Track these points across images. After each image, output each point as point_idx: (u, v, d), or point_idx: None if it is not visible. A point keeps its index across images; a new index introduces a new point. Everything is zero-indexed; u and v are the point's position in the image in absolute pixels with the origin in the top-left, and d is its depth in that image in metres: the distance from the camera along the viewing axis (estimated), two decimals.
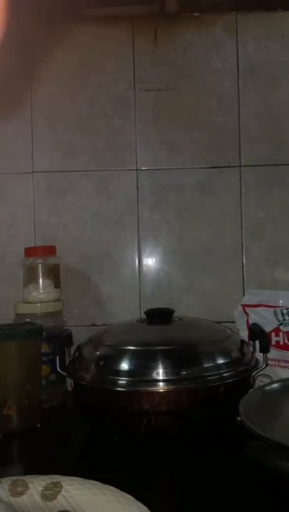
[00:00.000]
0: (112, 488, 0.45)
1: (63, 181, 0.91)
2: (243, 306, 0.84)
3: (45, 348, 0.76)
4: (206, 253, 0.90)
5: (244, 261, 0.89)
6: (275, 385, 0.60)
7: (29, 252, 0.83)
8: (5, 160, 0.90)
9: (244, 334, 0.80)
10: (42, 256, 0.82)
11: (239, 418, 0.60)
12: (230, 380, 0.60)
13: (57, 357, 0.69)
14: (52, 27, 0.90)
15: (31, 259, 0.82)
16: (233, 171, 0.90)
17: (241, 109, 0.89)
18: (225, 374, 0.60)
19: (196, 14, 0.89)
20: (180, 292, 0.90)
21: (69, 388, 0.77)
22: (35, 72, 0.90)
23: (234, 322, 0.85)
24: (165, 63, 0.90)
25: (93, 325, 0.89)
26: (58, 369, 0.69)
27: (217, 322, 0.81)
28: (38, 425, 0.69)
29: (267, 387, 0.60)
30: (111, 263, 0.91)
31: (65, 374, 0.68)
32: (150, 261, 0.91)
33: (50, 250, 0.84)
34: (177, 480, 0.54)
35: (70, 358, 0.70)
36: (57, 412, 0.76)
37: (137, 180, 0.90)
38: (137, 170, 0.90)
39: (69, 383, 0.75)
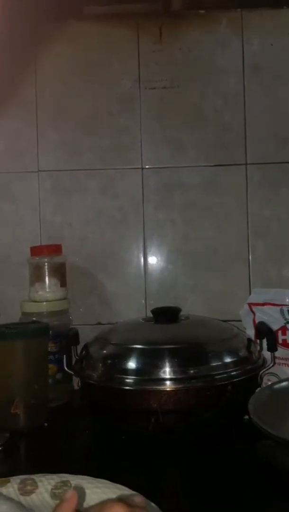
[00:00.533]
0: (122, 487, 0.46)
1: (68, 180, 0.90)
2: (249, 304, 0.84)
3: (51, 347, 0.76)
4: (211, 252, 0.90)
5: (250, 259, 0.89)
6: (284, 384, 0.59)
7: (35, 251, 0.83)
8: (11, 159, 0.90)
9: (250, 332, 0.80)
10: (48, 255, 0.82)
11: (246, 417, 0.60)
12: (237, 379, 0.60)
13: (64, 356, 0.69)
14: (56, 26, 0.90)
15: (37, 258, 0.82)
16: (239, 169, 0.89)
17: (246, 107, 0.89)
18: (233, 373, 0.60)
19: (202, 11, 0.89)
20: (186, 291, 0.90)
21: (76, 387, 0.78)
22: (40, 71, 0.90)
23: (240, 320, 0.85)
24: (170, 61, 0.89)
25: (99, 323, 0.89)
26: (65, 368, 0.69)
27: (224, 321, 0.81)
28: (45, 424, 0.69)
29: (276, 386, 0.60)
30: (117, 262, 0.90)
31: (72, 373, 0.68)
32: (155, 260, 0.91)
33: (56, 249, 0.84)
34: (185, 478, 0.54)
35: (76, 357, 0.70)
36: (64, 410, 0.76)
37: (142, 179, 0.90)
38: (142, 168, 0.90)
39: (76, 381, 0.75)
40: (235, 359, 0.62)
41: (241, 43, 0.89)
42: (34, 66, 0.90)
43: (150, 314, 0.73)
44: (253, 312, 0.83)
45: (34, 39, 0.90)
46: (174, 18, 0.89)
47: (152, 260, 0.91)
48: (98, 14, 0.89)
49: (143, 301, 0.90)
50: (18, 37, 0.90)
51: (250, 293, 0.87)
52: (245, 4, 0.88)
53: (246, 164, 0.89)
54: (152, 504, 0.43)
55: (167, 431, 0.58)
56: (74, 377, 0.74)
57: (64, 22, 0.90)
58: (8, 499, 0.41)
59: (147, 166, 0.90)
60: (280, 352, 0.75)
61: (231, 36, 0.89)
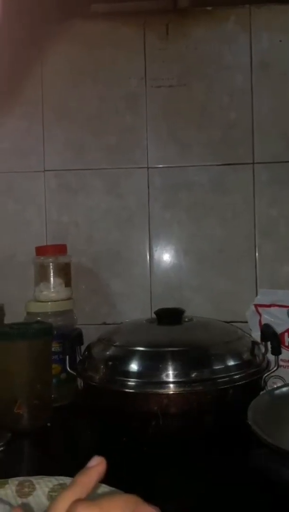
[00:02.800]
0: (118, 491, 0.45)
1: (74, 179, 0.90)
2: (256, 306, 0.83)
3: (55, 347, 0.76)
4: (218, 252, 0.89)
5: (257, 259, 0.88)
6: (284, 389, 0.58)
7: (40, 251, 0.83)
8: (17, 159, 0.91)
9: (256, 334, 0.79)
10: (53, 255, 0.82)
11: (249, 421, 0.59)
12: (240, 383, 0.59)
13: (67, 356, 0.69)
14: (62, 25, 0.89)
15: (42, 258, 0.83)
16: (246, 168, 0.88)
17: (254, 105, 0.88)
18: (235, 377, 0.59)
19: (209, 8, 0.88)
20: (191, 291, 0.89)
21: (80, 387, 0.78)
22: (46, 70, 0.90)
23: (246, 322, 0.84)
24: (177, 59, 0.88)
25: (104, 323, 0.89)
26: (68, 368, 0.69)
27: (229, 322, 0.81)
28: (48, 424, 0.69)
29: (276, 391, 0.59)
30: (122, 262, 0.90)
31: (75, 374, 0.68)
32: (161, 260, 0.90)
33: (61, 249, 0.84)
34: (185, 482, 0.54)
35: (80, 357, 0.70)
36: (68, 410, 0.76)
37: (148, 178, 0.89)
38: (148, 168, 0.89)
39: (80, 381, 0.75)
40: (238, 362, 0.61)
41: (249, 40, 0.87)
42: (40, 64, 0.90)
43: (154, 315, 0.73)
44: (259, 313, 0.82)
45: (40, 37, 0.89)
46: (181, 15, 0.88)
47: (158, 260, 0.90)
48: (104, 12, 0.88)
49: (148, 301, 0.90)
50: (23, 36, 0.90)
51: (256, 294, 0.86)
52: (253, 0, 0.86)
53: (253, 163, 0.88)
54: None
55: (167, 434, 0.58)
56: None
57: (70, 20, 0.89)
58: (2, 502, 0.40)
59: (153, 166, 0.89)
60: (286, 354, 0.74)
61: (239, 32, 0.88)
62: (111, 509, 0.27)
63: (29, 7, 0.88)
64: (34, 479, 0.48)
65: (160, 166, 0.89)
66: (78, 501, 0.28)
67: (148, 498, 0.42)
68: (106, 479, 0.46)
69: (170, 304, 0.87)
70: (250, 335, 0.78)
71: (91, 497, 0.44)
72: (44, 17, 0.89)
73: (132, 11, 0.88)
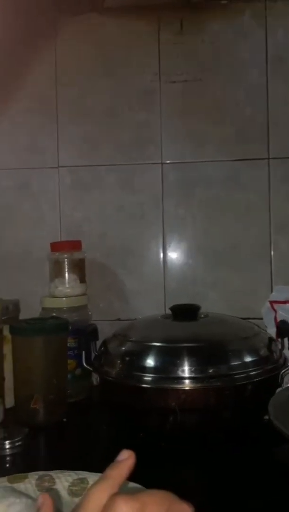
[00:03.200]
0: (138, 486, 0.45)
1: (87, 175, 0.90)
2: (271, 302, 0.82)
3: (70, 342, 0.76)
4: (232, 248, 0.88)
5: (272, 256, 0.87)
6: None
7: (55, 247, 0.84)
8: (32, 155, 0.91)
9: (272, 331, 0.78)
10: (68, 251, 0.83)
11: (266, 417, 0.59)
12: (257, 379, 0.58)
13: (83, 352, 0.69)
14: (77, 20, 0.89)
15: (57, 254, 0.83)
16: (261, 163, 0.87)
17: (269, 100, 0.87)
18: (253, 373, 0.59)
19: (224, 2, 0.87)
20: (206, 287, 0.89)
21: (95, 382, 0.78)
22: (60, 65, 0.90)
23: (261, 318, 0.84)
24: (191, 54, 0.88)
25: (118, 319, 0.89)
26: (84, 364, 0.69)
27: (244, 319, 0.80)
28: (64, 419, 0.69)
29: None
30: (136, 258, 0.90)
31: (91, 369, 0.68)
32: (175, 256, 0.90)
33: (75, 245, 0.84)
34: (202, 478, 0.54)
35: (95, 353, 0.70)
36: (83, 405, 0.76)
37: (162, 174, 0.89)
38: (162, 164, 0.89)
39: (95, 377, 0.76)
40: (255, 358, 0.61)
41: (264, 34, 0.87)
42: (54, 60, 0.90)
43: (169, 311, 0.73)
44: (274, 310, 0.81)
45: (55, 32, 0.89)
46: (195, 10, 0.87)
47: (172, 256, 0.90)
48: (118, 7, 0.88)
49: (162, 297, 0.90)
50: (38, 31, 0.90)
51: (272, 291, 0.86)
52: None
53: (268, 158, 0.87)
54: None
55: (185, 430, 0.57)
56: (93, 373, 0.74)
57: (85, 15, 0.89)
58: (24, 496, 0.41)
59: (167, 161, 0.89)
60: None
61: (254, 27, 0.87)
62: (149, 504, 0.27)
63: (43, 2, 0.88)
64: (53, 474, 0.48)
65: (175, 161, 0.89)
66: (117, 495, 0.28)
67: None
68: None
69: (184, 301, 0.86)
70: (266, 332, 0.78)
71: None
72: (58, 12, 0.89)
73: (146, 6, 0.88)
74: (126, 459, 0.31)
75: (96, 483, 0.29)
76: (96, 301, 0.88)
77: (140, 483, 0.45)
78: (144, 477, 0.45)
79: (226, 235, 0.89)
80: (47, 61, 0.90)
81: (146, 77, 0.89)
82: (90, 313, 0.84)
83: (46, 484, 0.47)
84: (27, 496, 0.41)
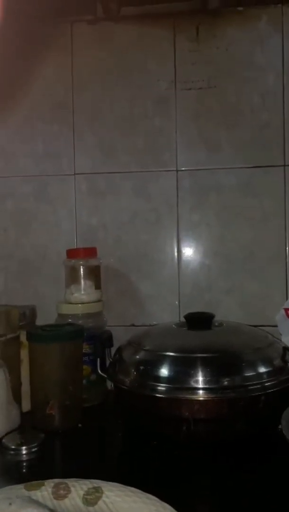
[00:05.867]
0: (152, 497, 0.46)
1: (103, 182, 0.91)
2: (286, 310, 0.82)
3: (86, 348, 0.77)
4: (247, 255, 0.88)
5: (287, 263, 0.87)
6: None
7: (71, 253, 0.85)
8: (49, 162, 0.92)
9: (286, 339, 0.78)
10: (83, 258, 0.84)
11: (280, 427, 0.59)
12: (271, 390, 0.59)
13: (98, 359, 0.70)
14: (92, 28, 0.90)
15: (73, 261, 0.84)
16: (277, 170, 0.87)
17: (285, 106, 0.86)
18: (267, 384, 0.59)
19: (240, 8, 0.87)
20: (220, 294, 0.89)
21: (109, 387, 0.79)
22: (76, 73, 0.91)
23: (276, 326, 0.83)
24: (207, 60, 0.88)
25: (133, 325, 0.90)
26: (99, 371, 0.70)
27: (258, 326, 0.80)
28: (79, 425, 0.70)
29: None
30: (151, 264, 0.91)
31: (106, 376, 0.69)
32: (189, 262, 0.90)
33: (91, 252, 0.85)
34: (215, 489, 0.54)
35: (110, 359, 0.71)
36: (98, 411, 0.77)
37: (177, 181, 0.89)
38: (177, 171, 0.89)
39: (110, 383, 0.76)
40: (269, 369, 0.61)
41: (281, 39, 0.86)
42: (70, 68, 0.91)
43: (183, 317, 0.73)
44: None
45: (71, 41, 0.90)
46: (211, 16, 0.87)
47: (187, 262, 0.90)
48: (134, 15, 0.88)
49: (176, 303, 0.90)
50: (55, 39, 0.91)
51: (287, 298, 0.85)
52: None
53: (284, 165, 0.86)
54: None
55: (198, 440, 0.58)
56: None
57: (100, 23, 0.90)
58: (42, 507, 0.42)
59: (182, 168, 0.89)
60: None
61: (271, 32, 0.86)
62: None
63: (60, 10, 0.89)
64: (69, 482, 0.49)
65: (190, 168, 0.89)
66: None
67: (175, 504, 0.43)
68: (137, 481, 0.48)
69: (198, 307, 0.87)
70: (280, 340, 0.78)
71: (120, 504, 0.45)
72: (74, 20, 0.90)
73: (161, 13, 0.88)
74: None
75: None
76: (111, 306, 0.89)
77: (153, 489, 0.46)
78: (157, 485, 0.46)
79: (241, 241, 0.88)
80: (64, 69, 0.91)
81: (162, 84, 0.89)
82: (105, 319, 0.86)
83: (62, 492, 0.48)
84: (45, 506, 0.42)
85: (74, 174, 0.92)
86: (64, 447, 0.66)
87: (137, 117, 0.90)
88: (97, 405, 0.79)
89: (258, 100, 0.87)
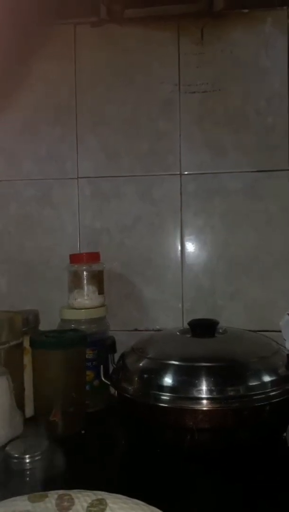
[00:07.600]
0: (156, 510, 0.46)
1: (106, 186, 0.91)
2: None
3: (89, 354, 0.77)
4: (252, 259, 0.88)
5: None
6: None
7: (74, 258, 0.84)
8: (52, 166, 0.92)
9: None
10: (86, 263, 0.83)
11: (285, 434, 0.59)
12: (276, 400, 0.58)
13: (101, 366, 0.70)
14: (95, 31, 0.89)
15: (76, 266, 0.83)
16: (282, 175, 0.86)
17: None
18: (272, 393, 0.58)
19: (245, 11, 0.86)
20: (224, 298, 0.88)
21: (112, 392, 0.78)
22: (79, 76, 0.90)
23: (280, 331, 0.83)
24: (212, 63, 0.87)
25: (136, 330, 0.90)
26: (102, 378, 0.69)
27: (262, 331, 0.80)
28: (82, 431, 0.70)
29: None
30: (154, 268, 0.90)
31: (109, 383, 0.69)
32: (193, 267, 0.90)
33: (94, 257, 0.85)
34: (219, 499, 0.54)
35: (114, 365, 0.71)
36: (101, 417, 0.77)
37: (181, 185, 0.89)
38: (180, 175, 0.89)
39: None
40: (274, 378, 0.60)
41: (286, 42, 0.85)
42: (73, 70, 0.90)
43: (186, 323, 0.73)
44: None
45: (74, 43, 0.90)
46: (216, 19, 0.86)
47: (190, 266, 0.90)
48: (138, 18, 0.87)
49: (180, 307, 0.90)
50: (57, 41, 0.90)
51: None
52: None
53: None
54: None
55: (202, 450, 0.58)
56: None
57: (104, 26, 0.89)
58: None
59: (186, 172, 0.89)
60: None
61: (276, 35, 0.85)
62: None
63: (62, 12, 0.88)
64: (73, 493, 0.49)
65: (194, 172, 0.89)
66: None
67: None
68: (141, 491, 0.47)
69: (203, 311, 0.87)
70: (284, 346, 0.77)
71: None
72: (78, 23, 0.89)
73: (166, 15, 0.87)
74: None
75: None
76: (113, 311, 0.89)
77: (155, 499, 0.46)
78: (160, 494, 0.46)
79: (245, 245, 0.88)
80: (67, 72, 0.90)
81: (166, 87, 0.88)
82: (108, 324, 0.85)
83: (66, 503, 0.48)
84: None
85: (78, 177, 0.91)
86: (67, 454, 0.65)
87: (141, 120, 0.89)
88: (101, 411, 0.78)
89: (263, 103, 0.86)
